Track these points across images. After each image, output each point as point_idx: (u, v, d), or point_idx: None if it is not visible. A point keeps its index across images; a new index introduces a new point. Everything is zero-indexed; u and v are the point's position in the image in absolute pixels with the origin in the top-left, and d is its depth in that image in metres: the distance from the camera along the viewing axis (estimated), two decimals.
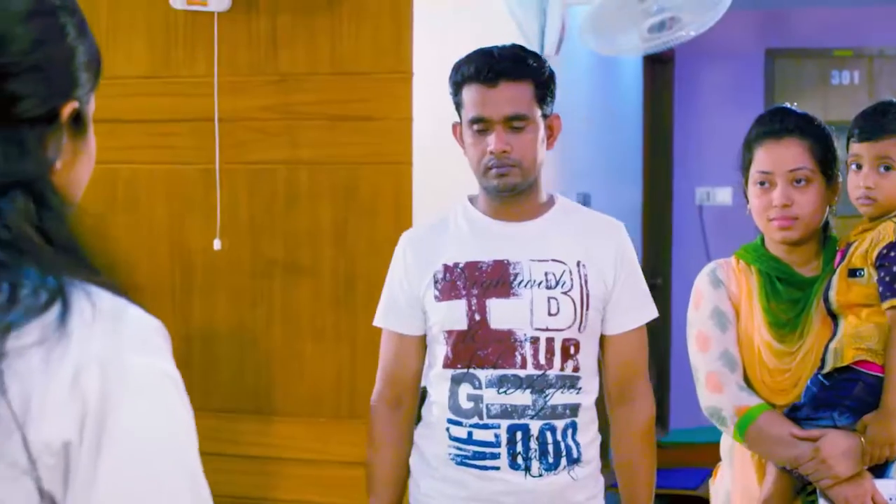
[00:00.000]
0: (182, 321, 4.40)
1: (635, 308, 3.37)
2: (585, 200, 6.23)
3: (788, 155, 3.27)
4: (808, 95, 8.94)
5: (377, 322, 3.44)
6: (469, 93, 3.23)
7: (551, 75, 3.29)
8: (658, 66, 9.07)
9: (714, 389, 3.29)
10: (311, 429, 4.28)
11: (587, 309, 3.26)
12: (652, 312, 3.42)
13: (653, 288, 3.65)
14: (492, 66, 3.21)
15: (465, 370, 3.25)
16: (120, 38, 4.44)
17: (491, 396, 3.22)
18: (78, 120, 1.57)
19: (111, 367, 1.42)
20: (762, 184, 3.30)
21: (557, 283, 3.25)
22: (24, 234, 1.45)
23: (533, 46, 4.67)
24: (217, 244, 4.30)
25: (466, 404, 3.26)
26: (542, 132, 3.26)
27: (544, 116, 3.27)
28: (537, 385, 3.22)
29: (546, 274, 3.25)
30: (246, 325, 4.35)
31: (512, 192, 3.26)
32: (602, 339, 3.36)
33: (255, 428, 4.33)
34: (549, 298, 3.23)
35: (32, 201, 1.47)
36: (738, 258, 3.43)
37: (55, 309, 1.41)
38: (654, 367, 3.90)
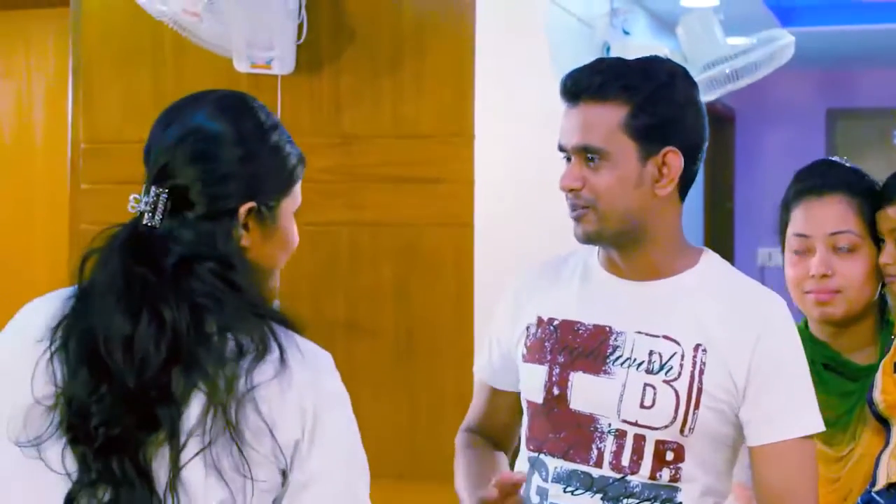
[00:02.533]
0: None
1: (782, 415, 2.48)
2: None
3: (830, 215, 2.74)
4: (870, 156, 8.89)
5: (474, 367, 2.88)
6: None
7: (667, 98, 2.50)
8: (719, 126, 9.06)
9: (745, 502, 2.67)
10: (373, 489, 4.26)
11: (696, 408, 2.46)
12: (811, 425, 2.50)
13: None
14: (577, 80, 2.51)
15: (537, 454, 2.59)
16: None
17: (556, 494, 2.55)
18: (261, 214, 2.13)
19: (319, 390, 2.08)
20: (798, 250, 2.79)
21: (661, 368, 2.49)
22: (217, 288, 2.04)
23: None
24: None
25: (534, 498, 2.58)
26: (632, 170, 2.47)
27: (646, 151, 2.48)
28: (612, 492, 2.49)
29: (651, 353, 2.50)
30: None
31: (595, 243, 2.58)
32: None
33: None
34: (645, 385, 2.49)
35: (225, 268, 2.06)
36: None
37: (276, 351, 2.04)
38: None
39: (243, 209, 2.09)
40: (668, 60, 2.57)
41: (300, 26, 4.27)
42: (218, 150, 2.08)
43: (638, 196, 2.48)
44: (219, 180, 2.07)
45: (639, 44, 5.62)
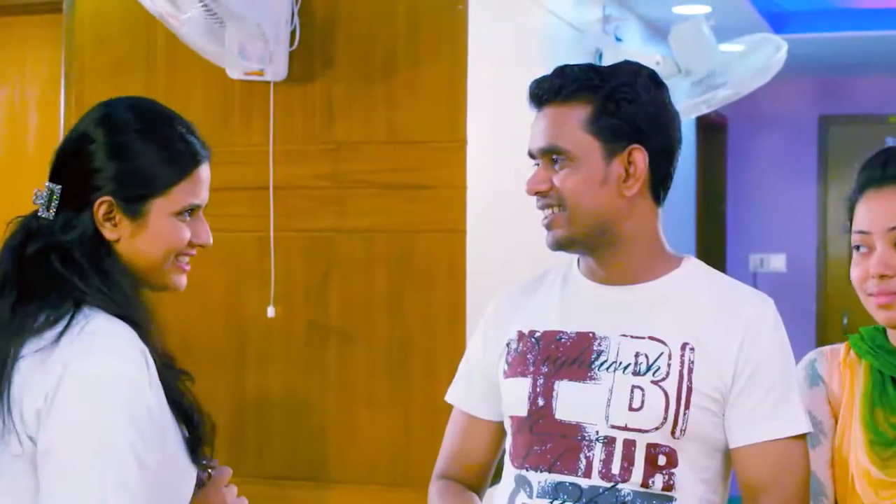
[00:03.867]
0: (236, 388, 4.41)
1: (765, 414, 2.42)
2: None
3: (890, 209, 2.45)
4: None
5: (448, 396, 2.76)
6: None
7: (630, 96, 2.47)
8: (711, 133, 9.07)
9: None
10: (365, 496, 4.27)
11: (686, 407, 2.39)
12: (795, 425, 2.43)
13: None
14: (541, 85, 2.53)
15: (520, 471, 2.49)
16: (177, 107, 4.42)
17: None
18: (126, 209, 2.26)
19: (75, 367, 2.11)
20: (858, 248, 2.48)
21: (649, 369, 2.42)
22: (51, 273, 2.22)
23: None
24: (271, 311, 4.31)
25: None
26: (598, 169, 2.45)
27: (610, 150, 2.46)
28: (602, 502, 2.39)
29: (637, 355, 2.44)
30: (300, 392, 4.35)
31: (568, 250, 2.53)
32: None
33: (310, 495, 4.33)
34: (633, 388, 2.41)
35: (65, 256, 2.24)
36: (851, 346, 2.58)
37: (60, 328, 2.14)
38: None
39: (96, 204, 2.25)
40: (636, 63, 2.56)
41: (293, 33, 4.27)
42: (83, 149, 2.27)
43: (605, 195, 2.46)
44: (80, 176, 2.26)
45: (631, 50, 5.64)
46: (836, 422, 2.53)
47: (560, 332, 2.51)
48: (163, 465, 2.18)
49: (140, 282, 2.36)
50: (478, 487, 2.70)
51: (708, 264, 2.66)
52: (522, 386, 2.50)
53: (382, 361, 4.27)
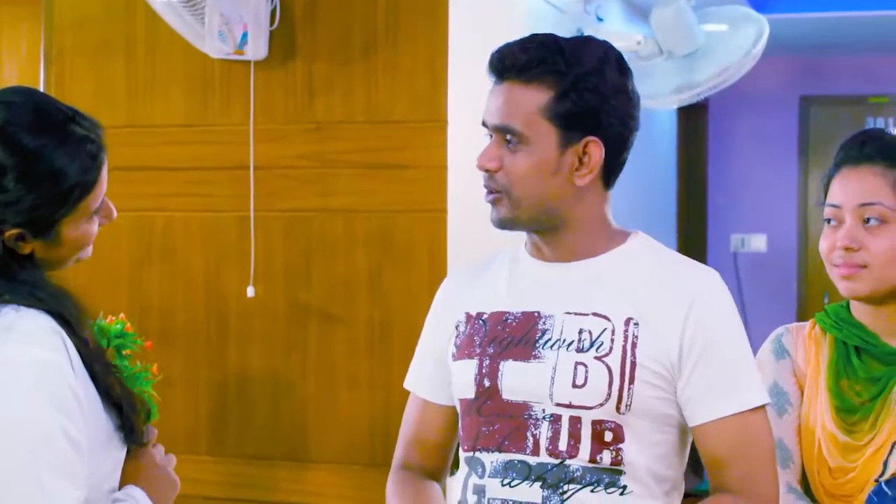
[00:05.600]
0: (217, 368, 4.41)
1: (721, 389, 2.39)
2: None
3: (862, 186, 2.56)
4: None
5: (405, 382, 2.78)
6: None
7: (593, 86, 2.39)
8: (692, 114, 9.07)
9: None
10: (345, 476, 4.28)
11: (630, 382, 2.36)
12: (752, 397, 2.40)
13: None
14: (503, 57, 2.45)
15: (472, 453, 2.48)
16: (157, 87, 4.47)
17: (493, 489, 2.43)
18: (40, 233, 2.22)
19: None
20: (829, 221, 2.61)
21: (592, 345, 2.39)
22: None
23: None
24: (251, 291, 4.31)
25: (471, 499, 2.47)
26: (551, 157, 2.40)
27: (567, 139, 2.40)
28: (550, 478, 2.38)
29: (581, 332, 2.41)
30: (280, 372, 4.35)
31: (511, 229, 2.51)
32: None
33: (290, 475, 4.33)
34: (576, 364, 2.39)
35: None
36: (816, 322, 2.71)
37: None
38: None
39: (6, 234, 2.20)
40: (604, 43, 2.47)
41: (273, 12, 4.26)
42: None
43: (554, 184, 2.41)
44: None
45: (612, 30, 5.63)
46: (802, 393, 2.65)
47: (506, 312, 2.49)
48: (97, 445, 2.17)
49: (54, 269, 2.32)
50: (438, 473, 2.68)
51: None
52: (469, 368, 2.48)
53: (363, 341, 4.27)
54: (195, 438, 4.39)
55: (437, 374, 2.62)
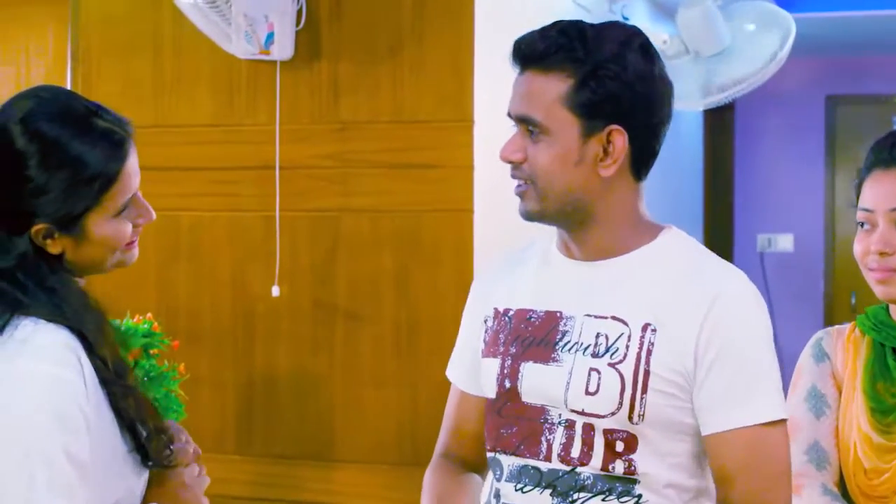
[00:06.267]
0: (244, 367, 4.41)
1: (735, 398, 2.27)
2: None
3: (893, 190, 2.56)
4: (869, 142, 8.88)
5: (447, 371, 2.69)
6: None
7: (614, 73, 2.30)
8: (718, 113, 9.04)
9: (794, 490, 2.40)
10: (372, 475, 4.28)
11: (643, 392, 2.28)
12: (768, 410, 2.27)
13: None
14: (524, 45, 2.35)
15: (494, 454, 2.45)
16: (184, 87, 4.48)
17: (508, 494, 2.39)
18: (66, 228, 2.20)
19: (4, 367, 2.09)
20: (862, 224, 2.60)
21: (607, 351, 2.31)
22: (9, 288, 2.17)
23: None
24: (276, 291, 4.32)
25: (491, 501, 2.45)
26: (573, 147, 2.31)
27: (589, 128, 2.31)
28: (561, 486, 2.32)
29: (598, 336, 2.33)
30: (307, 371, 4.35)
31: (539, 221, 2.42)
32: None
33: (317, 474, 4.33)
34: (590, 370, 2.31)
35: (25, 276, 2.20)
36: (857, 324, 2.68)
37: None
38: None
39: (33, 230, 2.20)
40: (629, 28, 2.39)
41: (299, 12, 4.27)
42: (14, 171, 2.18)
43: (579, 174, 2.32)
44: (11, 200, 2.19)
45: None
46: (840, 395, 2.63)
47: (531, 310, 2.42)
48: (106, 467, 2.15)
49: (91, 273, 2.32)
50: (478, 464, 2.59)
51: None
52: (493, 367, 2.43)
53: (389, 341, 4.27)
54: (222, 438, 4.40)
55: (471, 365, 2.56)
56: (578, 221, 2.37)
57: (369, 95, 4.28)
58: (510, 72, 2.44)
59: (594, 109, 2.29)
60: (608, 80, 2.28)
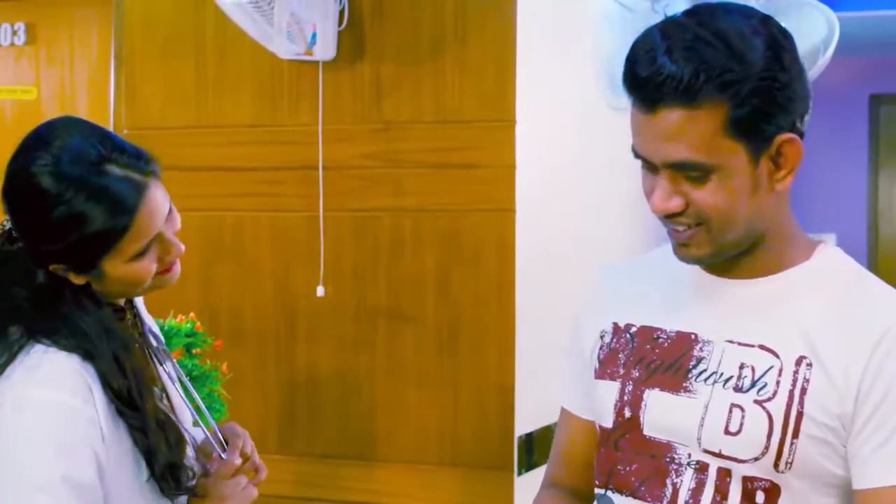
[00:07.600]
0: (286, 367, 4.42)
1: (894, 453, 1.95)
2: None
3: None
4: None
5: (561, 400, 2.41)
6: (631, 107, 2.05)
7: (773, 79, 1.95)
8: None
9: None
10: (415, 475, 4.28)
11: (794, 436, 1.97)
12: None
13: None
14: (651, 81, 1.94)
15: (604, 491, 2.16)
16: (226, 87, 4.49)
17: None
18: (82, 270, 2.22)
19: (11, 393, 2.11)
20: None
21: (753, 385, 2.00)
22: (30, 308, 2.21)
23: None
24: (320, 291, 4.32)
25: None
26: (746, 175, 1.98)
27: (756, 149, 1.98)
28: None
29: (742, 367, 2.02)
30: (349, 371, 4.36)
31: (707, 263, 2.11)
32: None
33: (359, 474, 4.33)
34: (732, 406, 2.01)
35: (48, 300, 2.23)
36: None
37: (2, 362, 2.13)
38: None
39: (51, 268, 2.23)
40: (751, 11, 2.05)
41: (341, 12, 4.27)
42: (38, 211, 2.18)
43: (757, 200, 2.01)
44: (32, 236, 2.22)
45: None
46: None
47: (658, 329, 2.14)
48: (129, 491, 2.17)
49: (126, 297, 2.34)
50: (588, 491, 2.28)
51: None
52: (610, 391, 2.15)
53: (431, 341, 4.27)
54: (264, 437, 4.40)
55: (579, 384, 2.30)
56: (746, 247, 2.09)
57: (412, 95, 4.28)
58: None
59: (760, 126, 1.97)
60: (770, 91, 1.97)
